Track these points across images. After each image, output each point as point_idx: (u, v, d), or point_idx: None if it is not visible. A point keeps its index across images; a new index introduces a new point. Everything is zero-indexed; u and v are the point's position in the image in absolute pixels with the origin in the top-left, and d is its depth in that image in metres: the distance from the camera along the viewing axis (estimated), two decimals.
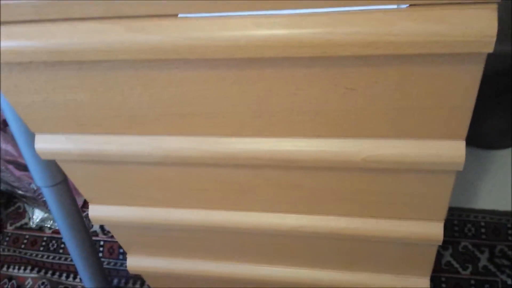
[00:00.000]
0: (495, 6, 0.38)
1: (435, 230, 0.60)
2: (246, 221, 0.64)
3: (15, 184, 1.10)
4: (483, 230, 0.97)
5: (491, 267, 0.93)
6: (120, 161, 0.58)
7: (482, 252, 0.95)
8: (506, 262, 0.93)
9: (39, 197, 1.11)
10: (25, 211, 1.21)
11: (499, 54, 0.91)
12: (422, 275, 0.70)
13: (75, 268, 0.91)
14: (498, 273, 0.92)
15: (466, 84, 0.43)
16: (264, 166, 0.56)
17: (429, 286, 0.71)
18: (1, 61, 0.47)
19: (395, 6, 0.39)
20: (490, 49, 0.39)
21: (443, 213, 0.58)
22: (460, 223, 0.99)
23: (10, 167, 1.05)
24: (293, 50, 0.41)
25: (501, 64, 0.93)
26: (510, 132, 1.04)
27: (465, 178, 1.03)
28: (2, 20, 0.45)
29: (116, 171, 0.61)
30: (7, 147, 1.02)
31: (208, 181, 0.60)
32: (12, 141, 1.01)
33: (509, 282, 0.90)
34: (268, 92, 0.47)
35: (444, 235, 0.95)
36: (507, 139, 1.05)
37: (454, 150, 0.49)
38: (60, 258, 1.12)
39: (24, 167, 1.04)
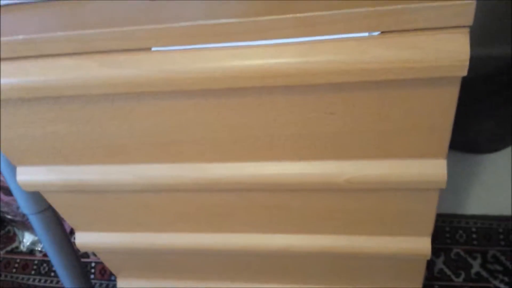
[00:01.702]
0: (467, 30, 0.38)
1: (423, 245, 0.60)
2: (233, 242, 0.64)
3: (4, 209, 1.09)
4: (474, 236, 0.97)
5: (484, 273, 0.93)
6: (103, 190, 0.58)
7: (474, 258, 0.95)
8: (498, 268, 0.93)
9: (28, 221, 1.11)
10: (15, 234, 1.20)
11: (486, 58, 0.91)
12: (413, 287, 0.70)
13: None
14: (491, 279, 0.92)
15: (443, 105, 0.43)
16: (248, 189, 0.55)
17: None
18: None
19: (366, 34, 0.39)
20: (464, 72, 0.39)
21: (430, 228, 0.58)
22: (451, 229, 0.99)
23: None
24: (269, 80, 0.41)
25: (488, 68, 0.93)
26: (499, 136, 1.03)
27: (454, 183, 1.03)
28: None
29: (99, 199, 0.60)
30: None
31: (193, 205, 0.60)
32: None
33: (502, 287, 0.90)
34: (248, 118, 0.47)
35: (436, 243, 0.95)
36: (496, 143, 1.05)
37: (436, 168, 0.49)
38: (52, 282, 1.11)
39: (11, 192, 1.04)
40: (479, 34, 0.85)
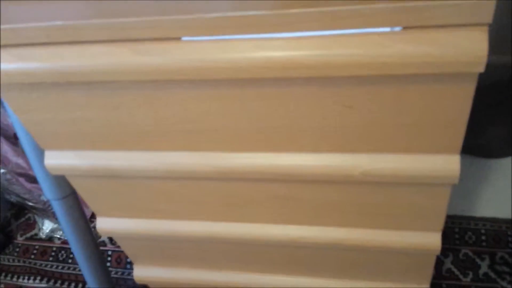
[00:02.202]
0: (485, 27, 0.39)
1: (433, 240, 0.61)
2: (248, 232, 0.66)
3: (26, 196, 1.12)
4: (483, 238, 0.99)
5: (491, 274, 0.94)
6: (126, 175, 0.60)
7: (482, 259, 0.96)
8: (506, 269, 0.94)
9: (49, 208, 1.13)
10: (35, 222, 1.23)
11: (498, 65, 0.92)
12: (422, 283, 0.71)
13: (84, 278, 0.92)
14: (498, 280, 0.93)
15: (459, 102, 0.45)
16: (265, 179, 0.57)
17: None
18: (13, 81, 0.50)
19: (389, 29, 0.40)
20: (481, 69, 0.40)
21: (441, 223, 0.60)
22: (460, 230, 1.00)
23: (21, 179, 1.07)
24: (291, 71, 0.43)
25: (501, 74, 0.94)
26: (510, 141, 1.05)
27: (465, 186, 1.04)
28: (14, 42, 0.47)
29: (123, 185, 0.62)
30: (18, 160, 1.04)
31: (212, 194, 0.61)
32: (23, 154, 1.03)
33: None
34: (268, 109, 0.49)
35: (445, 243, 0.96)
36: (507, 148, 1.06)
37: (449, 164, 0.50)
38: (69, 268, 1.14)
39: (34, 180, 1.07)
40: (493, 42, 0.86)
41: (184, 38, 0.44)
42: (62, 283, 1.12)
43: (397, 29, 0.40)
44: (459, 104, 0.45)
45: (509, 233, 0.98)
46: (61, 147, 0.59)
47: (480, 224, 1.00)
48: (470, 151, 1.06)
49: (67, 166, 0.60)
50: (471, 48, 0.39)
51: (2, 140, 1.03)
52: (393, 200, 0.57)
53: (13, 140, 1.04)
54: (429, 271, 0.69)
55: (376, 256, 0.67)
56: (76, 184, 0.65)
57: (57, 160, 0.60)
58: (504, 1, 0.83)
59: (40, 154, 0.70)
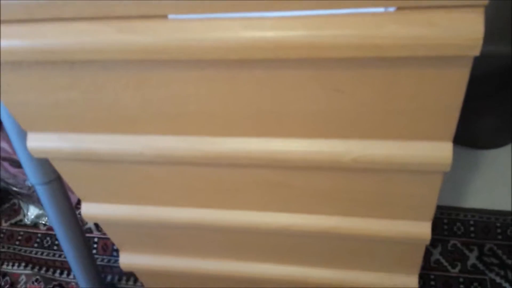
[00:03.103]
0: (481, 9, 0.38)
1: (423, 229, 0.60)
2: (236, 219, 0.65)
3: (10, 181, 1.10)
4: (472, 229, 0.98)
5: (480, 265, 0.94)
6: (112, 160, 0.59)
7: (471, 250, 0.96)
8: (495, 261, 0.94)
9: (34, 194, 1.12)
10: (20, 207, 1.21)
11: (489, 55, 0.92)
12: (411, 273, 0.71)
13: (69, 265, 0.91)
14: (486, 272, 0.93)
15: (453, 87, 0.44)
16: (255, 165, 0.56)
17: (417, 284, 0.71)
18: None
19: (382, 10, 0.39)
20: (477, 52, 0.39)
21: (431, 213, 0.59)
22: (449, 221, 1.00)
23: (5, 164, 1.05)
24: (282, 52, 0.42)
25: (493, 64, 0.94)
26: (500, 132, 1.04)
27: (454, 177, 1.04)
28: None
29: (108, 169, 0.61)
30: (2, 144, 1.02)
31: (199, 180, 0.60)
32: (7, 138, 1.01)
33: (497, 280, 0.91)
34: (257, 93, 0.48)
35: (434, 234, 0.96)
36: (498, 139, 1.06)
37: (441, 151, 0.49)
38: (54, 255, 1.13)
39: (18, 164, 1.05)
40: (485, 31, 0.86)
41: (170, 16, 0.43)
42: (47, 270, 1.10)
43: (391, 9, 0.39)
44: (453, 89, 0.44)
45: (497, 224, 0.98)
46: (44, 129, 0.57)
47: (469, 215, 1.00)
48: (459, 141, 1.06)
49: (50, 149, 0.58)
50: (467, 30, 0.38)
51: None
52: (384, 187, 0.56)
53: None
54: (418, 261, 0.69)
55: (366, 245, 0.67)
56: (60, 168, 0.63)
57: (40, 142, 0.58)
58: None
59: (24, 137, 0.69)
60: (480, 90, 0.97)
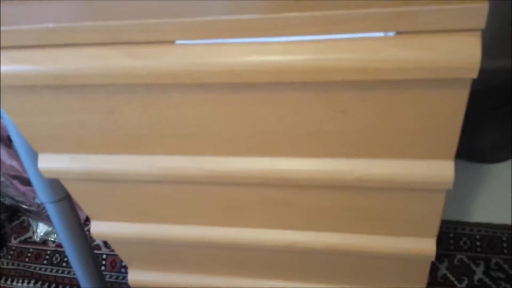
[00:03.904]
0: (478, 33, 0.39)
1: (428, 246, 0.61)
2: (243, 236, 0.66)
3: (20, 198, 1.11)
4: (478, 243, 0.98)
5: (486, 280, 0.93)
6: (120, 179, 0.60)
7: (477, 265, 0.96)
8: (501, 275, 0.94)
9: (43, 211, 1.13)
10: (29, 225, 1.23)
11: (493, 70, 0.93)
12: None
13: (78, 282, 0.92)
14: (493, 286, 0.92)
15: (453, 107, 0.45)
16: (260, 184, 0.57)
17: None
18: (6, 84, 0.49)
19: (382, 34, 0.40)
20: (474, 75, 0.40)
21: (435, 229, 0.59)
22: (455, 236, 1.00)
23: (15, 182, 1.06)
24: (286, 76, 0.43)
25: (495, 79, 0.95)
26: (505, 146, 1.05)
27: (460, 191, 1.04)
28: (7, 45, 0.47)
29: (117, 189, 0.62)
30: (11, 162, 1.03)
31: (206, 198, 0.61)
32: (17, 157, 1.03)
33: None
34: (263, 114, 0.49)
35: (440, 248, 0.96)
36: (502, 153, 1.06)
37: (443, 169, 0.50)
38: (63, 272, 1.14)
39: (28, 182, 1.06)
40: (488, 46, 0.87)
41: (178, 42, 0.44)
42: (56, 287, 1.11)
43: (391, 34, 0.40)
44: (453, 110, 0.45)
45: (504, 238, 0.98)
46: (55, 150, 0.58)
47: (475, 230, 1.00)
48: (465, 156, 1.06)
49: (60, 169, 0.60)
50: (464, 53, 0.39)
51: None
52: (388, 205, 0.57)
53: (7, 142, 1.04)
54: (424, 276, 0.69)
55: (371, 262, 0.67)
56: (70, 188, 0.64)
57: (50, 163, 0.60)
58: (498, 1, 0.84)
59: (34, 157, 0.70)
60: (484, 104, 0.98)
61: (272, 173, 0.55)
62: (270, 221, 0.63)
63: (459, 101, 0.44)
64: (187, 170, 0.57)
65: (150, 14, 0.43)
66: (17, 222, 1.24)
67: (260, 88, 0.46)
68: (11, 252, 1.19)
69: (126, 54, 0.45)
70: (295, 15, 0.40)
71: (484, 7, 0.37)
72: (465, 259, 0.97)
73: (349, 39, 0.41)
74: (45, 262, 1.16)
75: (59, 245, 1.18)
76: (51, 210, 0.78)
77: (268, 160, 0.54)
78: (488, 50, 0.90)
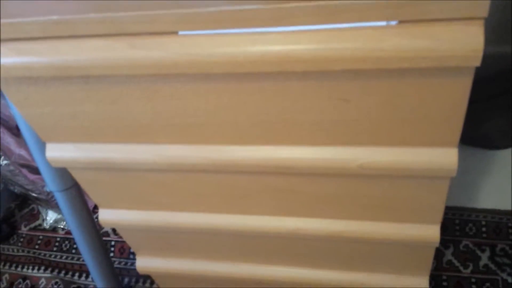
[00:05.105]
0: (481, 21, 0.39)
1: (432, 232, 0.61)
2: (247, 223, 0.66)
3: (29, 187, 1.13)
4: (484, 229, 0.99)
5: (492, 265, 0.94)
6: (126, 168, 0.61)
7: (483, 251, 0.96)
8: (507, 261, 0.94)
9: (52, 199, 1.14)
10: (39, 212, 1.24)
11: (499, 55, 0.92)
12: (421, 275, 0.72)
13: (87, 268, 0.93)
14: (498, 272, 0.93)
15: (456, 95, 0.45)
16: (263, 172, 0.58)
17: (428, 285, 0.72)
18: (11, 75, 0.50)
19: (384, 23, 0.40)
20: (477, 63, 0.40)
21: (439, 216, 0.60)
22: (461, 222, 1.00)
23: (24, 170, 1.08)
24: (288, 65, 0.43)
25: (501, 65, 0.94)
26: (511, 132, 1.04)
27: (466, 178, 1.04)
28: (12, 37, 0.47)
29: (123, 177, 0.63)
30: (20, 151, 1.05)
31: (210, 186, 0.62)
32: (26, 146, 1.04)
33: (509, 280, 0.91)
34: (266, 103, 0.49)
35: (446, 234, 0.96)
36: (508, 139, 1.06)
37: (447, 157, 0.50)
38: (73, 258, 1.15)
39: (37, 171, 1.08)
40: (494, 32, 0.86)
41: (180, 32, 0.44)
42: (66, 273, 1.13)
43: (393, 23, 0.40)
44: (456, 98, 0.45)
45: (509, 224, 0.98)
46: (62, 139, 0.59)
47: (481, 216, 1.00)
48: (471, 142, 1.06)
49: (67, 158, 0.60)
50: (467, 42, 0.39)
51: (5, 131, 1.04)
52: (391, 193, 0.57)
53: (16, 131, 1.05)
54: (429, 262, 0.69)
55: (375, 248, 0.68)
56: (77, 176, 0.65)
57: (58, 152, 0.60)
58: None
59: (42, 146, 0.71)
60: (490, 90, 0.97)
61: (275, 162, 0.55)
62: (273, 208, 0.64)
63: (462, 89, 0.44)
64: (192, 159, 0.57)
65: (153, 5, 0.44)
66: (27, 210, 1.26)
67: (263, 78, 0.47)
68: (22, 240, 1.21)
69: (130, 45, 0.45)
70: (296, 5, 0.40)
71: None
72: (471, 245, 0.97)
73: (351, 28, 0.41)
74: (54, 249, 1.18)
75: (69, 232, 1.20)
76: (60, 198, 0.79)
77: (272, 149, 0.54)
78: (494, 35, 0.90)
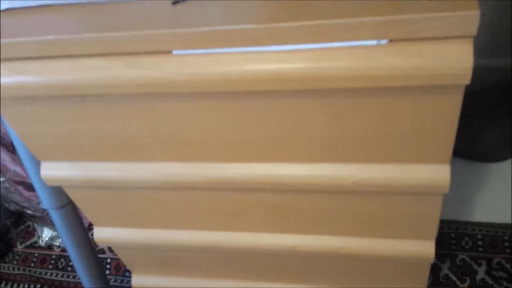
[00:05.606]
0: (470, 40, 0.40)
1: (427, 248, 0.61)
2: (243, 241, 0.66)
3: (24, 204, 1.12)
4: (480, 243, 0.99)
5: (488, 279, 0.94)
6: (122, 186, 0.61)
7: (479, 264, 0.96)
8: (503, 275, 0.94)
9: (48, 216, 1.14)
10: (34, 230, 1.24)
11: (494, 68, 0.93)
12: None
13: (83, 286, 0.93)
14: (495, 286, 0.93)
15: (447, 112, 0.45)
16: (259, 189, 0.58)
17: None
18: (7, 95, 0.50)
19: (375, 42, 0.41)
20: (467, 81, 0.41)
21: (434, 232, 0.60)
22: (457, 236, 1.00)
23: (19, 188, 1.08)
24: (282, 84, 0.44)
25: (496, 77, 0.95)
26: (507, 145, 1.05)
27: (462, 191, 1.04)
28: (8, 56, 0.48)
29: (119, 195, 0.63)
30: (16, 168, 1.05)
31: (206, 203, 0.62)
32: (21, 162, 1.04)
33: None
34: (260, 121, 0.49)
35: (442, 248, 0.96)
36: (504, 152, 1.06)
37: (439, 173, 0.51)
38: (68, 276, 1.15)
39: (32, 188, 1.07)
40: (488, 45, 0.87)
41: (175, 52, 0.45)
42: None
43: (384, 42, 0.41)
44: (447, 115, 0.45)
45: (506, 238, 0.98)
46: (57, 158, 0.59)
47: (477, 229, 1.00)
48: (467, 155, 1.06)
49: (63, 177, 0.60)
50: (457, 60, 0.40)
51: (0, 148, 1.04)
52: (386, 209, 0.57)
53: (11, 148, 1.05)
54: (425, 278, 0.69)
55: (370, 264, 0.68)
56: (72, 195, 0.65)
57: (53, 171, 0.60)
58: (498, 1, 0.84)
59: (37, 164, 0.71)
60: (485, 103, 0.98)
61: (270, 179, 0.55)
62: (269, 225, 0.64)
63: (453, 106, 0.44)
64: (188, 176, 0.57)
65: (147, 25, 0.44)
66: (22, 227, 1.26)
67: (257, 96, 0.47)
68: (17, 257, 1.20)
69: (125, 64, 0.46)
70: (289, 25, 0.41)
71: (476, 15, 0.37)
72: (467, 259, 0.97)
73: (342, 47, 0.42)
74: (50, 266, 1.17)
75: (64, 250, 1.19)
76: (55, 216, 0.79)
77: (266, 166, 0.55)
78: (489, 48, 0.90)
